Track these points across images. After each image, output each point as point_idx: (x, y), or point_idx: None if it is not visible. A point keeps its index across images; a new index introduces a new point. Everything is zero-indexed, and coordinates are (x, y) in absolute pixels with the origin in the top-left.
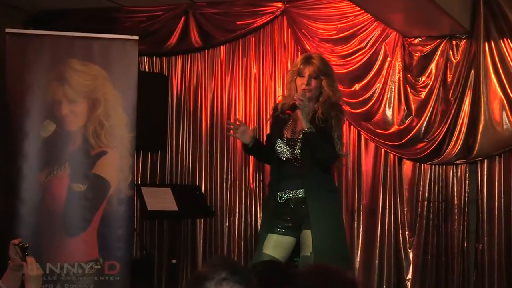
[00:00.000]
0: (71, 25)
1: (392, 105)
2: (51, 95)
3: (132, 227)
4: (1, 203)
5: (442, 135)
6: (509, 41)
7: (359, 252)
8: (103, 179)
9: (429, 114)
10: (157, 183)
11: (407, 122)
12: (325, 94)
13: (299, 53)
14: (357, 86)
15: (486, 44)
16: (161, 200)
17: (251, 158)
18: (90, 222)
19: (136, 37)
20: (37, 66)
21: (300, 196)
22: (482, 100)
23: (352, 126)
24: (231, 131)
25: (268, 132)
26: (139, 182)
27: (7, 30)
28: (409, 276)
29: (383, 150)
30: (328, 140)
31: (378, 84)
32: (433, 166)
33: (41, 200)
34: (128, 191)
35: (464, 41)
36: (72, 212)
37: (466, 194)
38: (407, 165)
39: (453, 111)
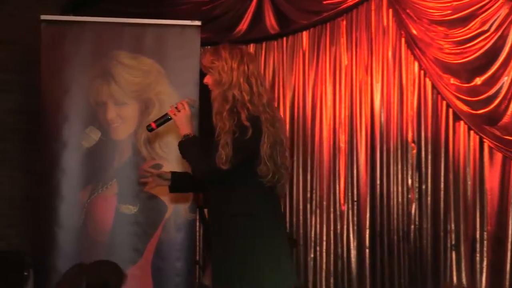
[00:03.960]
0: (118, 9)
1: None
2: (94, 96)
3: (193, 258)
4: (36, 229)
5: None
6: None
7: None
8: (157, 199)
9: None
10: None
11: None
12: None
13: (403, 39)
14: (478, 80)
15: None
16: None
17: (342, 172)
18: (142, 253)
19: (198, 23)
20: (77, 61)
21: None
22: None
23: (471, 132)
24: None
25: None
26: (202, 203)
27: (42, 17)
28: None
29: None
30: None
31: (506, 78)
32: None
33: (83, 225)
34: (188, 214)
35: None
36: (120, 240)
37: None
38: None
39: None
